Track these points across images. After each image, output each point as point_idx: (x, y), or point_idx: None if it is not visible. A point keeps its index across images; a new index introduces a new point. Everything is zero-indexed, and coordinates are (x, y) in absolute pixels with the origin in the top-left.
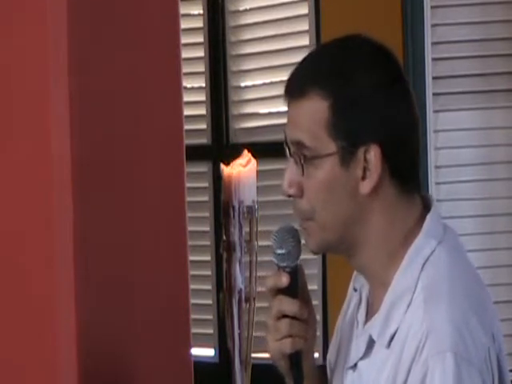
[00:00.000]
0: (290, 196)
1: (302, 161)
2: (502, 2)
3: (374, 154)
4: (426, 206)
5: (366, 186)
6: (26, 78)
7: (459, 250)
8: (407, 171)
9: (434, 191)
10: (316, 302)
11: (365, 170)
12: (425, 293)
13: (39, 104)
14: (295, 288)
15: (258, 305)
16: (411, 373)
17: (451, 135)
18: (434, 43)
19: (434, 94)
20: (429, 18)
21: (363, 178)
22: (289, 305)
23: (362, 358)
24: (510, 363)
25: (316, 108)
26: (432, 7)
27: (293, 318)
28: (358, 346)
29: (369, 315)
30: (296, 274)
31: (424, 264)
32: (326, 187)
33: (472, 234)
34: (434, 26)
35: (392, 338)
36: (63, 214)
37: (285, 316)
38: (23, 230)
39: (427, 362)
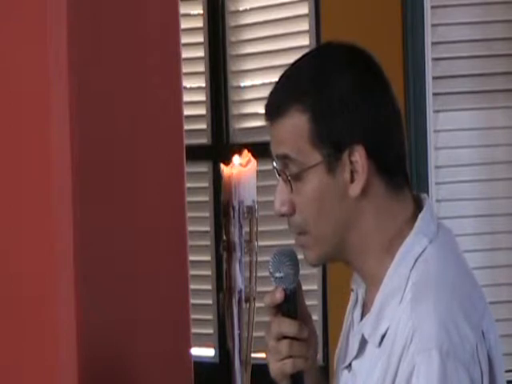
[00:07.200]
0: (283, 215)
1: (289, 177)
2: (502, 2)
3: (358, 156)
4: (419, 206)
5: (355, 189)
6: (26, 78)
7: (452, 249)
8: (393, 166)
9: (433, 191)
10: (316, 302)
11: (352, 172)
12: (413, 291)
13: (39, 104)
14: (294, 309)
15: (257, 305)
16: (399, 371)
17: (451, 135)
18: (434, 43)
19: (433, 94)
20: (429, 18)
21: (351, 180)
22: (288, 326)
23: (355, 358)
24: (509, 363)
25: (296, 123)
26: (432, 7)
27: (293, 338)
28: (352, 345)
29: (364, 315)
30: (295, 295)
31: (415, 262)
32: (316, 199)
33: (472, 234)
34: (434, 26)
35: (383, 337)
36: (63, 214)
37: (285, 337)
38: (23, 231)
39: (413, 359)
